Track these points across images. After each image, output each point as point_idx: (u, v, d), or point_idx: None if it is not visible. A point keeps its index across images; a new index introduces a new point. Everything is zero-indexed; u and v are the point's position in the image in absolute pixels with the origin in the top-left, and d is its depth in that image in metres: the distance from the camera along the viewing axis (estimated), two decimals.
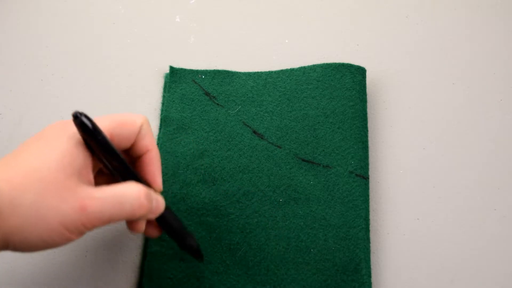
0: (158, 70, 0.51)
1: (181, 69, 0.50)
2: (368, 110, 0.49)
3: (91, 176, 0.33)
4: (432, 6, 0.55)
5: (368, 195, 0.44)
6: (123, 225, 0.44)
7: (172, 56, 0.52)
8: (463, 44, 0.53)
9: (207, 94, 0.48)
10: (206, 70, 0.50)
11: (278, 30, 0.54)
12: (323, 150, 0.45)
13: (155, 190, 0.36)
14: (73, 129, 0.33)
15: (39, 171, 0.31)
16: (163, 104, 0.49)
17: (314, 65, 0.49)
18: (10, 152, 0.33)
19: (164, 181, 0.44)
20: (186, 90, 0.49)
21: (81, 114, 0.32)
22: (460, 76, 0.51)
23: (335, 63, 0.49)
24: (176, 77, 0.49)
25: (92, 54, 0.52)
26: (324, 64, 0.49)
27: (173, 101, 0.48)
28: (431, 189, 0.46)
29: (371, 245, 0.43)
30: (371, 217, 0.44)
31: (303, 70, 0.49)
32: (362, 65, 0.50)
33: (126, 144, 0.36)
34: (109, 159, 0.34)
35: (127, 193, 0.33)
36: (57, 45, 0.53)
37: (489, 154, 0.47)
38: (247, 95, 0.48)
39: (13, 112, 0.49)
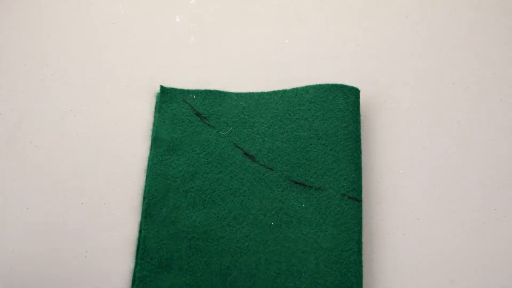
0: (158, 69, 0.51)
1: (172, 88, 0.49)
2: (368, 110, 0.49)
3: None
4: (432, 6, 0.55)
5: (361, 218, 0.43)
6: (123, 225, 0.44)
7: (172, 56, 0.52)
8: (463, 44, 0.53)
9: (198, 114, 0.48)
10: (197, 90, 0.49)
11: (278, 30, 0.54)
12: (315, 172, 0.45)
13: None
14: None
15: None
16: (154, 124, 0.48)
17: (306, 86, 0.48)
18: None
19: (153, 204, 0.44)
20: (177, 110, 0.48)
21: None
22: (460, 76, 0.51)
23: (328, 84, 0.48)
24: (166, 97, 0.48)
25: (92, 54, 0.52)
26: (316, 85, 0.48)
27: (164, 121, 0.47)
28: (431, 189, 0.46)
29: (370, 245, 0.43)
30: (371, 217, 0.44)
31: (295, 92, 0.48)
32: (361, 64, 0.50)
33: None
34: None
35: None
36: (57, 45, 0.53)
37: (489, 154, 0.47)
38: (238, 116, 0.48)
39: (13, 112, 0.49)
